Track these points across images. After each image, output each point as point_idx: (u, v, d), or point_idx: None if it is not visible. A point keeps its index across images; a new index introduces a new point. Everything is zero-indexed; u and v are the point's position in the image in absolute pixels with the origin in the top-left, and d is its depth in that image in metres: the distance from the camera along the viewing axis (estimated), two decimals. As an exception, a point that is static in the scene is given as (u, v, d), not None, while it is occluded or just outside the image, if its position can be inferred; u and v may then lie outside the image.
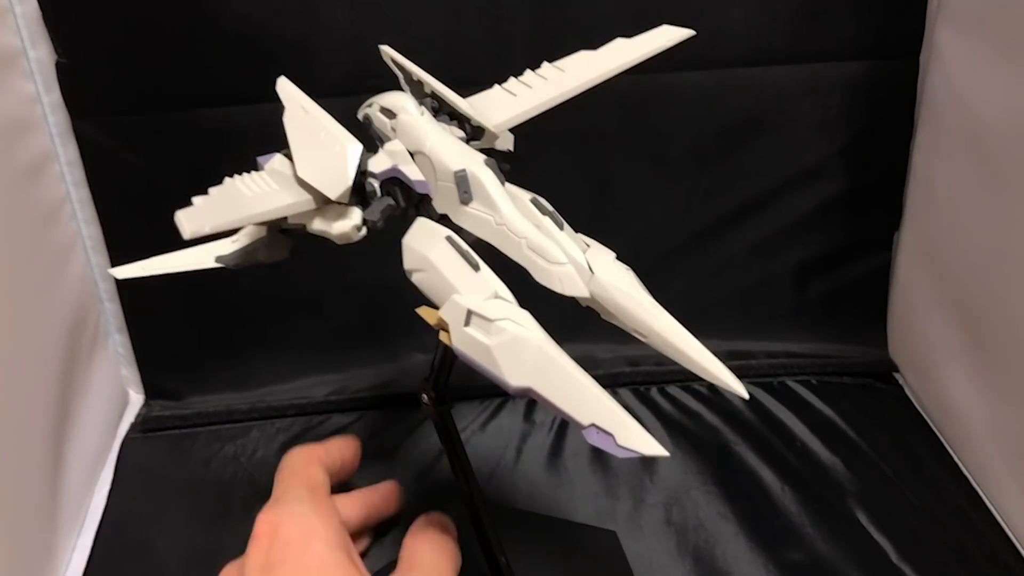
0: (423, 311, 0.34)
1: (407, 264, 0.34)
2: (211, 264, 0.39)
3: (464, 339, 0.31)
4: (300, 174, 0.36)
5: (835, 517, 0.55)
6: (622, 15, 0.56)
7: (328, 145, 0.37)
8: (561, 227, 0.34)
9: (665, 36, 0.43)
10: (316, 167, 0.36)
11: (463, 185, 0.35)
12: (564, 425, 0.62)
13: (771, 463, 0.59)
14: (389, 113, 0.39)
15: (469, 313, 0.31)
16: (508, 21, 0.56)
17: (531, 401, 0.64)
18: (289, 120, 0.39)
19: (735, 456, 0.59)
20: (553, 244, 0.33)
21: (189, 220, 0.35)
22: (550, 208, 0.35)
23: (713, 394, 0.64)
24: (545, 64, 0.43)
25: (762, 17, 0.57)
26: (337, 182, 0.35)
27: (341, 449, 0.49)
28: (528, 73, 0.43)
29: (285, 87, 0.40)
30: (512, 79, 0.43)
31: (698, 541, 0.54)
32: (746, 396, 0.30)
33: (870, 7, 0.58)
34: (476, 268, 0.33)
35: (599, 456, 0.60)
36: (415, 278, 0.34)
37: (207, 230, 0.35)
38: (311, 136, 0.37)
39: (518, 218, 0.34)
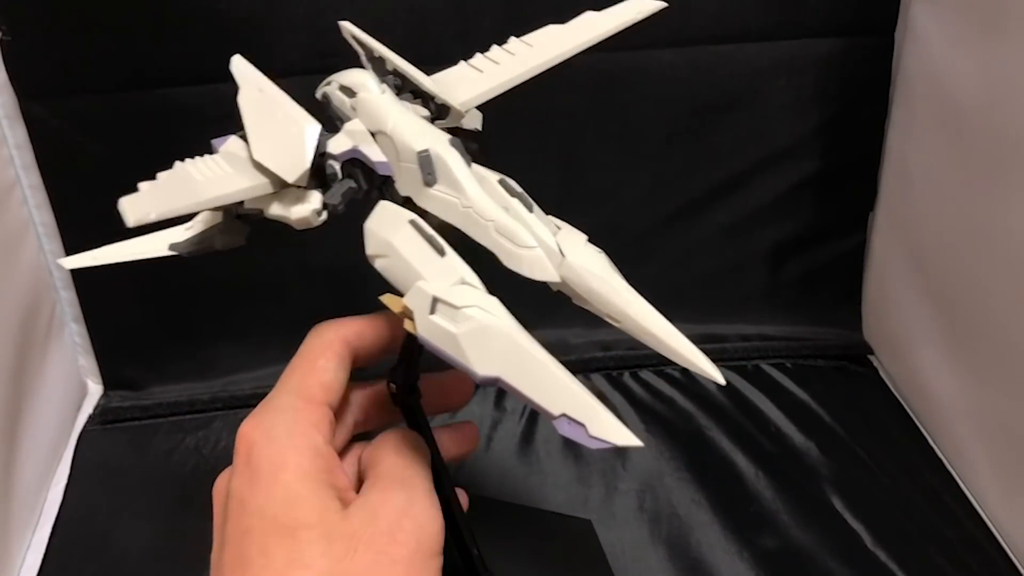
0: (387, 299, 0.32)
1: (369, 250, 0.33)
2: (165, 252, 0.37)
3: (429, 327, 0.30)
4: (256, 157, 0.35)
5: (810, 503, 0.54)
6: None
7: (285, 126, 0.35)
8: (531, 209, 0.32)
9: (636, 8, 0.42)
10: (273, 149, 0.35)
11: (427, 166, 0.33)
12: (535, 412, 0.61)
13: (745, 448, 0.58)
14: (349, 92, 0.37)
15: (435, 300, 0.30)
16: (473, -5, 0.54)
17: (500, 388, 0.63)
18: (244, 101, 0.37)
19: (709, 441, 0.59)
20: (522, 227, 0.32)
21: (133, 207, 0.33)
22: (519, 189, 0.33)
23: (687, 379, 0.63)
24: (512, 39, 0.41)
25: (734, -8, 0.56)
26: (295, 164, 0.34)
27: (380, 328, 0.39)
28: (495, 49, 0.41)
29: (240, 66, 0.39)
30: (478, 55, 0.41)
31: (672, 528, 0.53)
32: (722, 382, 0.28)
33: (844, -18, 0.57)
34: (442, 253, 0.31)
35: (571, 444, 0.58)
36: (378, 264, 0.32)
37: (152, 217, 0.33)
38: (267, 117, 0.36)
39: (485, 200, 0.33)
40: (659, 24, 0.56)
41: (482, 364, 0.29)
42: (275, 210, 0.34)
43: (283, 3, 0.54)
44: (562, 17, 0.54)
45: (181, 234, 0.37)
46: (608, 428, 0.26)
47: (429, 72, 0.56)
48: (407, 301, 0.31)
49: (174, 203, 0.33)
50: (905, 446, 0.58)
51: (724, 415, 0.60)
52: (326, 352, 0.36)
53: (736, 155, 0.61)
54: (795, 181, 0.63)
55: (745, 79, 0.59)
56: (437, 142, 0.34)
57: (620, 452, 0.58)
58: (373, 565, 0.30)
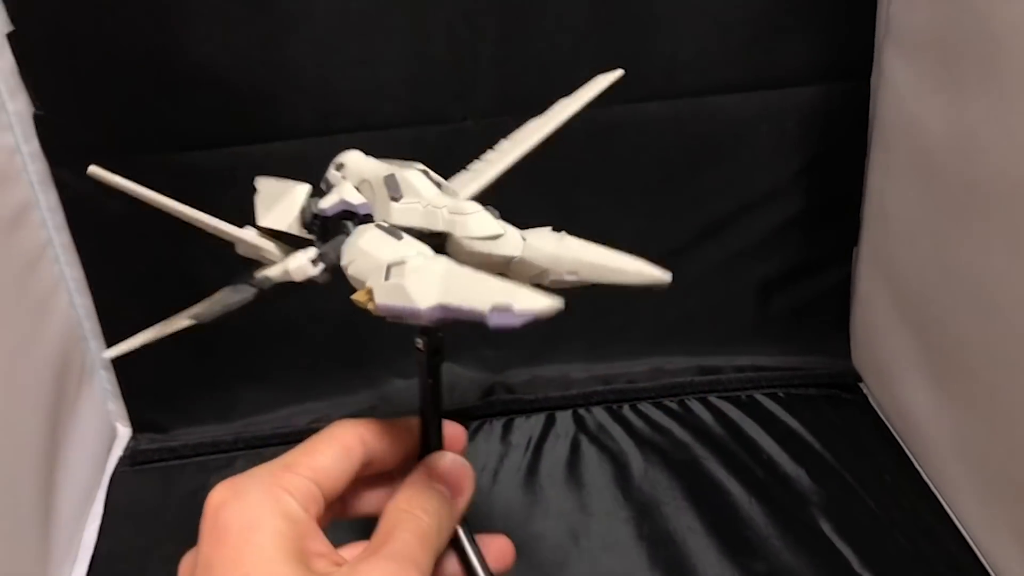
0: (356, 296, 0.32)
1: (342, 261, 0.34)
2: (186, 323, 0.40)
3: (384, 291, 0.30)
4: (259, 222, 0.38)
5: (800, 528, 0.57)
6: (582, 53, 0.59)
7: (282, 193, 0.39)
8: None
9: (600, 83, 0.45)
10: (272, 213, 0.38)
11: (392, 185, 0.35)
12: (540, 445, 0.64)
13: (739, 476, 0.61)
14: (339, 165, 0.40)
15: (388, 267, 0.31)
16: (471, 60, 0.58)
17: (507, 423, 0.66)
18: (258, 196, 0.41)
19: (704, 471, 0.61)
20: (480, 210, 0.34)
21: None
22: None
23: (683, 411, 0.66)
24: (501, 141, 0.44)
25: (715, 48, 0.59)
26: (286, 217, 0.37)
27: (398, 432, 0.38)
28: (487, 152, 0.44)
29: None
30: (474, 162, 0.44)
31: (670, 554, 0.56)
32: (668, 279, 0.29)
33: (820, 34, 0.60)
34: (399, 238, 0.33)
35: (573, 474, 0.62)
36: (349, 271, 0.33)
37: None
38: (271, 197, 0.39)
39: (442, 197, 0.35)
40: (645, 79, 0.60)
41: (423, 298, 0.29)
42: (276, 271, 0.37)
43: (291, 69, 0.57)
44: (553, 81, 0.58)
45: (199, 306, 0.40)
46: (530, 301, 0.27)
47: (431, 132, 0.61)
48: (368, 281, 0.31)
49: None
50: (892, 471, 0.61)
51: (719, 445, 0.63)
52: (331, 441, 0.35)
53: (723, 197, 0.65)
54: (781, 220, 0.66)
55: (729, 127, 0.62)
56: (405, 168, 0.36)
57: (620, 483, 0.61)
58: None
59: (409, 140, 0.60)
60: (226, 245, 0.60)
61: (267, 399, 0.67)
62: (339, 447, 0.35)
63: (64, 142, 0.57)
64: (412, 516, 0.33)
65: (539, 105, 0.60)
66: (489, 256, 0.33)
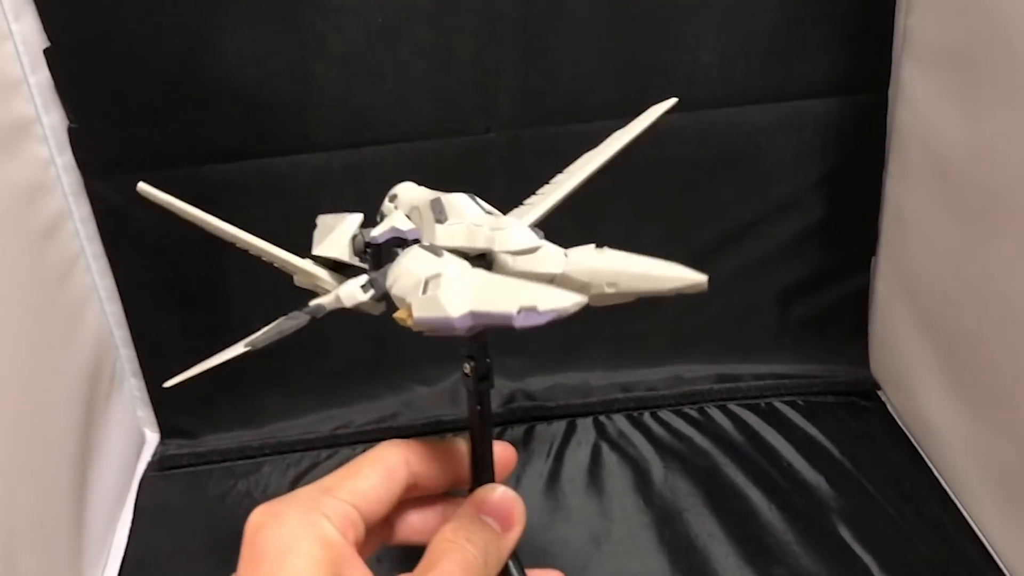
0: (397, 315, 0.32)
1: (387, 283, 0.34)
2: (242, 351, 0.41)
3: (420, 305, 0.31)
4: (313, 251, 0.39)
5: (819, 534, 0.57)
6: (602, 65, 0.60)
7: (336, 224, 0.40)
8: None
9: (653, 113, 0.46)
10: (325, 243, 0.39)
11: (437, 208, 0.36)
12: (561, 451, 0.65)
13: (759, 483, 0.61)
14: (392, 196, 0.41)
15: (426, 281, 0.31)
16: (494, 74, 0.59)
17: (528, 430, 0.67)
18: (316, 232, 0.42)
19: (724, 477, 0.62)
20: (518, 224, 0.34)
21: None
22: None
23: (703, 418, 0.67)
24: (556, 175, 0.45)
25: (734, 60, 0.60)
26: (338, 245, 0.39)
27: (446, 454, 0.38)
28: (542, 187, 0.44)
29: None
30: (530, 196, 0.44)
31: (692, 559, 0.57)
32: (705, 281, 0.28)
33: (838, 46, 0.61)
34: (439, 255, 0.33)
35: (594, 480, 0.63)
36: (393, 291, 0.34)
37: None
38: (327, 228, 0.41)
39: (483, 216, 0.35)
40: (665, 92, 0.61)
41: (454, 307, 0.29)
42: (329, 299, 0.37)
43: (318, 83, 0.59)
44: (575, 94, 0.60)
45: (257, 334, 0.40)
46: (555, 299, 0.27)
47: (454, 144, 0.62)
48: (408, 298, 0.32)
49: None
50: (911, 478, 0.61)
51: (739, 452, 0.64)
52: (374, 463, 0.35)
53: (742, 207, 0.65)
54: (800, 229, 0.66)
55: (747, 138, 0.63)
56: (452, 193, 0.37)
57: (640, 488, 0.61)
58: None
59: (433, 152, 0.61)
60: (254, 258, 0.62)
61: (292, 405, 0.68)
62: (382, 470, 0.35)
63: (97, 155, 0.59)
64: (457, 546, 0.33)
65: (561, 116, 0.61)
66: (532, 274, 0.33)
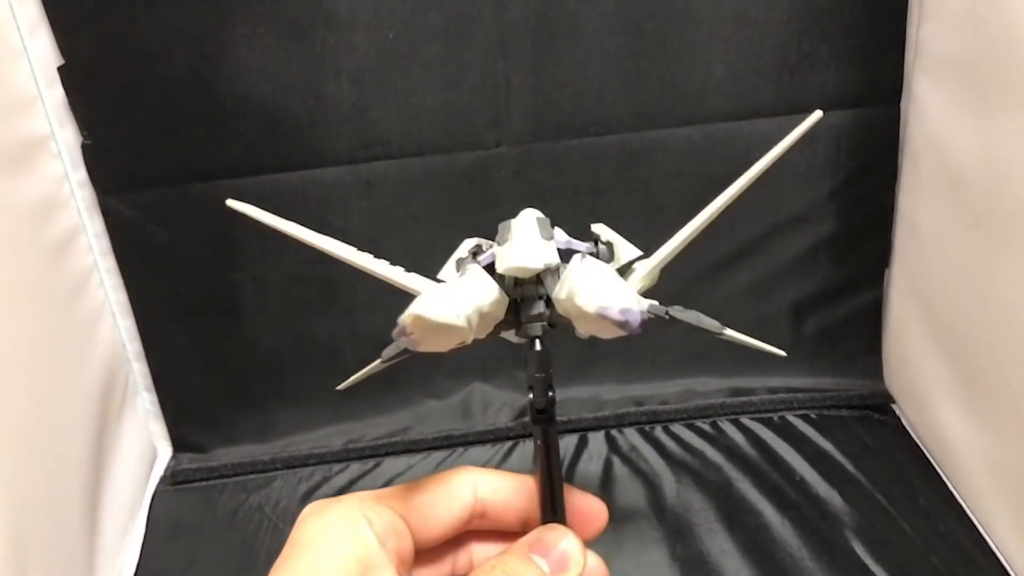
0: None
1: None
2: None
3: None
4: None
5: (833, 550, 0.57)
6: (613, 80, 0.60)
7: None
8: None
9: (802, 127, 0.37)
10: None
11: (502, 232, 0.35)
12: (573, 465, 0.65)
13: (771, 498, 0.61)
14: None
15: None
16: (504, 88, 0.59)
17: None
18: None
19: (736, 492, 0.62)
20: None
21: None
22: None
23: (716, 432, 0.67)
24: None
25: (745, 74, 0.60)
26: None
27: (516, 485, 0.36)
28: None
29: None
30: None
31: (703, 575, 0.57)
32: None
33: (850, 59, 0.60)
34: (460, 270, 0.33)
35: (606, 495, 0.62)
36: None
37: None
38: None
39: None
40: (676, 105, 0.61)
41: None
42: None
43: (330, 99, 0.59)
44: (585, 104, 0.59)
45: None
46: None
47: (466, 158, 0.62)
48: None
49: None
50: (925, 492, 0.61)
51: (752, 466, 0.64)
52: (438, 481, 0.34)
53: (755, 220, 0.65)
54: (813, 242, 0.66)
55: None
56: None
57: (652, 503, 0.61)
58: None
59: (444, 166, 0.61)
60: (265, 271, 0.62)
61: (304, 420, 0.68)
62: (444, 488, 0.34)
63: (110, 170, 0.59)
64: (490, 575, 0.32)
65: (571, 131, 0.61)
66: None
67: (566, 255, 0.35)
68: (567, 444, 0.67)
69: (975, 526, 0.58)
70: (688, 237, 0.36)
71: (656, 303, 0.32)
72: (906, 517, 0.59)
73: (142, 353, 0.66)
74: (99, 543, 0.58)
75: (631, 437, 0.67)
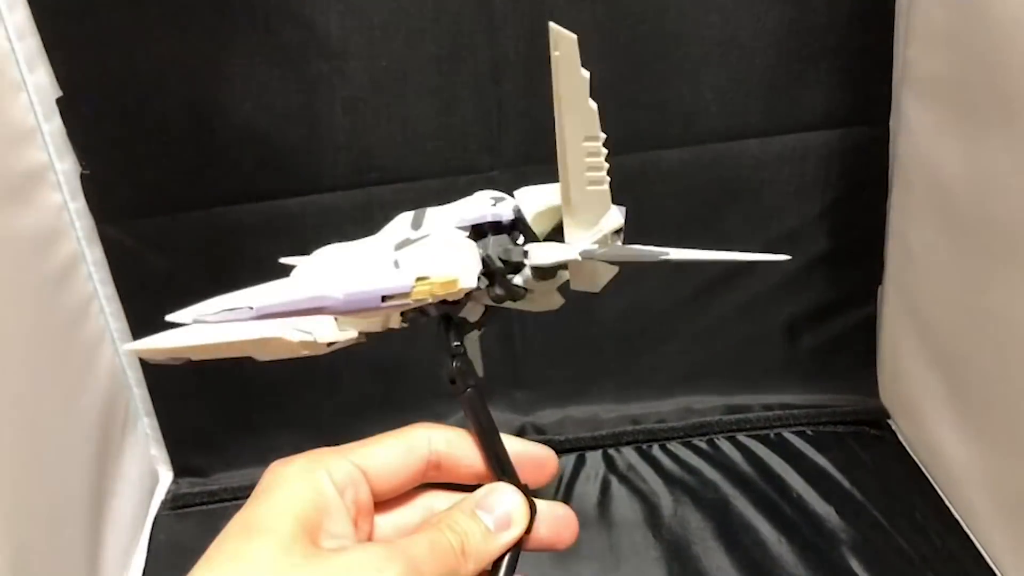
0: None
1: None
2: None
3: None
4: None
5: (830, 567, 0.57)
6: (605, 103, 0.60)
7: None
8: None
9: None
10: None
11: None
12: (571, 485, 0.65)
13: (768, 516, 0.61)
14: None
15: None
16: (497, 113, 0.60)
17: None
18: None
19: (733, 510, 0.62)
20: None
21: None
22: None
23: (712, 449, 0.67)
24: None
25: (734, 96, 0.61)
26: None
27: (469, 444, 0.37)
28: None
29: None
30: None
31: (701, 594, 0.57)
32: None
33: (838, 79, 0.61)
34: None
35: (603, 514, 0.63)
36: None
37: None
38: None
39: None
40: (668, 126, 0.62)
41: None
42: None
43: (326, 127, 0.59)
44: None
45: None
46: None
47: (462, 182, 0.63)
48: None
49: None
50: (921, 507, 0.61)
51: (748, 484, 0.64)
52: (397, 436, 0.35)
53: (747, 239, 0.66)
54: (805, 260, 0.67)
55: (751, 171, 0.63)
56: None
57: (651, 522, 0.62)
58: None
59: (439, 190, 0.62)
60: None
61: (304, 443, 0.67)
62: (400, 441, 0.35)
63: (109, 200, 0.60)
64: (435, 529, 0.33)
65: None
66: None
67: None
68: (565, 464, 0.67)
69: (971, 540, 0.58)
70: (634, 257, 0.35)
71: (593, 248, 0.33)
72: (902, 532, 0.59)
73: (142, 379, 0.67)
74: (101, 567, 0.58)
75: (628, 456, 0.67)
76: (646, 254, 0.33)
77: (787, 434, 0.68)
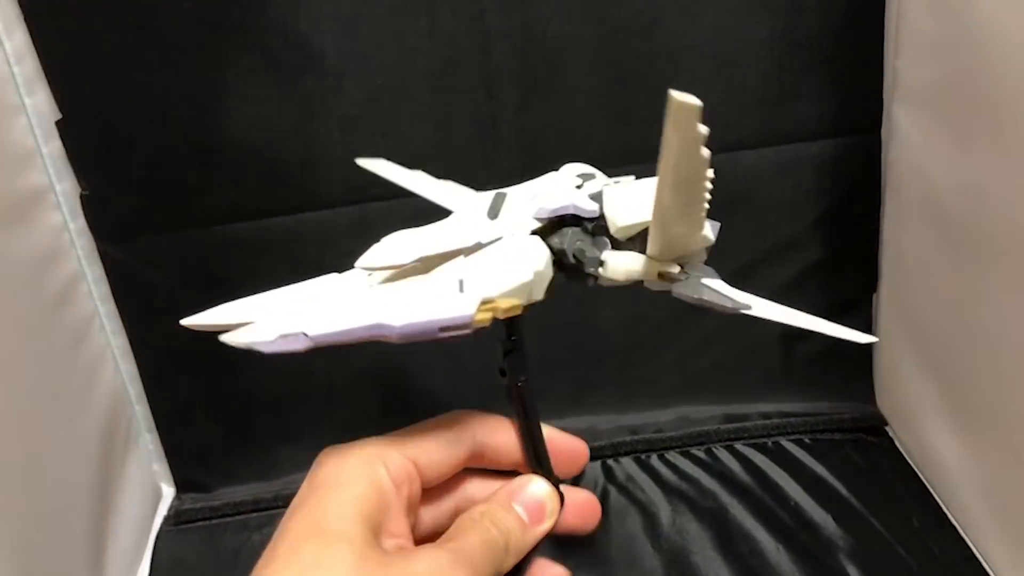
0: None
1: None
2: None
3: None
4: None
5: (828, 574, 0.58)
6: (599, 117, 0.61)
7: None
8: None
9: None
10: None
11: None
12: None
13: (766, 524, 0.62)
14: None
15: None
16: (493, 127, 0.60)
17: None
18: None
19: (732, 519, 0.62)
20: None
21: None
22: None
23: (710, 459, 0.67)
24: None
25: (727, 108, 0.61)
26: None
27: (509, 433, 0.38)
28: None
29: None
30: None
31: (699, 604, 0.57)
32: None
33: (830, 89, 0.62)
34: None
35: (603, 525, 0.63)
36: None
37: None
38: None
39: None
40: (661, 139, 0.62)
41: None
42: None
43: (322, 144, 0.60)
44: (575, 141, 0.60)
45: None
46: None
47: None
48: None
49: None
50: (919, 514, 0.62)
51: (746, 492, 0.64)
52: (444, 425, 0.36)
53: (742, 248, 0.66)
54: (801, 268, 0.67)
55: (745, 181, 0.64)
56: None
57: (648, 532, 0.62)
58: None
59: (436, 206, 0.62)
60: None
61: (306, 457, 0.68)
62: (451, 434, 0.36)
63: (109, 219, 0.61)
64: (481, 526, 0.34)
65: (559, 167, 0.63)
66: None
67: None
68: (564, 475, 0.67)
69: (968, 547, 0.59)
70: (712, 302, 0.35)
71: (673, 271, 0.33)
72: (900, 539, 0.60)
73: (144, 395, 0.67)
74: (105, 585, 0.59)
75: (627, 466, 0.68)
76: (727, 301, 0.33)
77: (785, 442, 0.68)
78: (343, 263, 0.65)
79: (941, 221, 0.57)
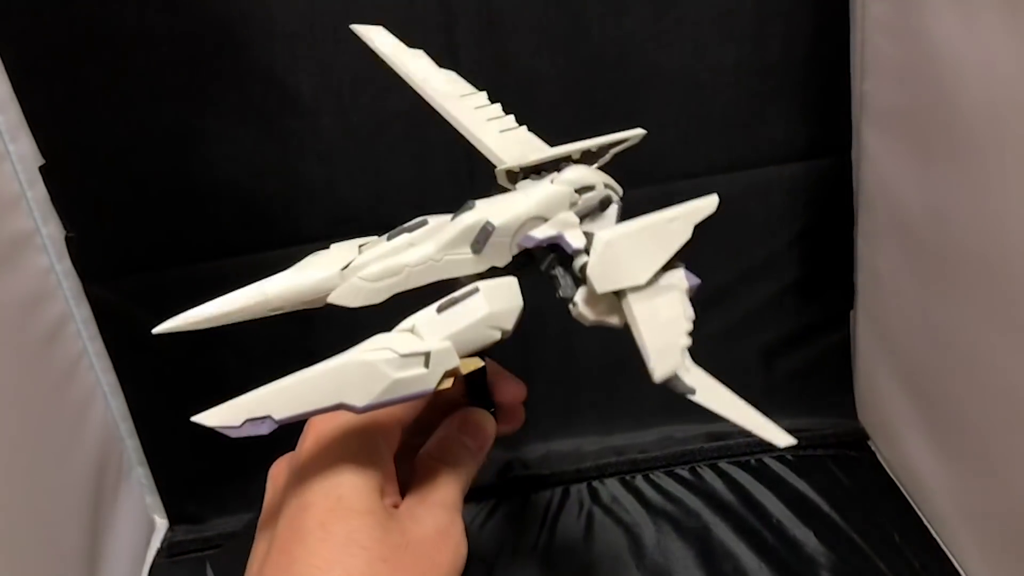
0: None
1: None
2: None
3: None
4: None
5: (809, 592, 0.59)
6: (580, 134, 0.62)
7: None
8: None
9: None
10: None
11: None
12: (556, 519, 0.67)
13: (749, 542, 0.62)
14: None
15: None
16: (466, 162, 0.61)
17: (523, 499, 0.69)
18: None
19: (715, 538, 0.63)
20: None
21: None
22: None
23: (694, 478, 0.68)
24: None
25: (698, 134, 0.62)
26: None
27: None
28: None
29: None
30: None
31: (683, 623, 0.58)
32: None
33: (799, 113, 0.63)
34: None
35: (588, 547, 0.64)
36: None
37: None
38: None
39: None
40: (634, 165, 0.63)
41: None
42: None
43: (301, 181, 0.61)
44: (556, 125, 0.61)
45: None
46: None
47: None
48: None
49: None
50: (899, 529, 0.62)
51: (729, 511, 0.65)
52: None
53: (721, 270, 0.67)
54: (778, 288, 0.68)
55: (720, 205, 0.64)
56: None
57: (634, 552, 0.63)
58: (419, 565, 0.33)
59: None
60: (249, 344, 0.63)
61: None
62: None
63: (94, 260, 0.62)
64: (451, 470, 0.37)
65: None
66: None
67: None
68: (551, 499, 0.68)
69: (949, 560, 0.60)
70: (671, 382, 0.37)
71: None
72: (880, 554, 0.60)
73: (134, 430, 0.68)
74: (99, 619, 0.60)
75: (612, 488, 0.69)
76: (679, 386, 0.36)
77: (767, 459, 0.69)
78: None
79: (910, 240, 0.58)
